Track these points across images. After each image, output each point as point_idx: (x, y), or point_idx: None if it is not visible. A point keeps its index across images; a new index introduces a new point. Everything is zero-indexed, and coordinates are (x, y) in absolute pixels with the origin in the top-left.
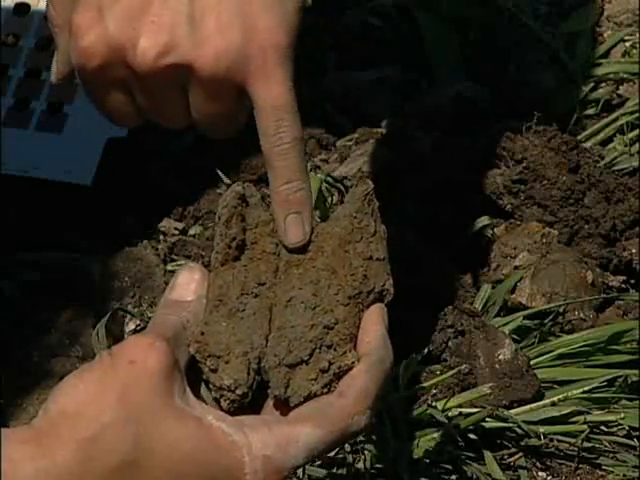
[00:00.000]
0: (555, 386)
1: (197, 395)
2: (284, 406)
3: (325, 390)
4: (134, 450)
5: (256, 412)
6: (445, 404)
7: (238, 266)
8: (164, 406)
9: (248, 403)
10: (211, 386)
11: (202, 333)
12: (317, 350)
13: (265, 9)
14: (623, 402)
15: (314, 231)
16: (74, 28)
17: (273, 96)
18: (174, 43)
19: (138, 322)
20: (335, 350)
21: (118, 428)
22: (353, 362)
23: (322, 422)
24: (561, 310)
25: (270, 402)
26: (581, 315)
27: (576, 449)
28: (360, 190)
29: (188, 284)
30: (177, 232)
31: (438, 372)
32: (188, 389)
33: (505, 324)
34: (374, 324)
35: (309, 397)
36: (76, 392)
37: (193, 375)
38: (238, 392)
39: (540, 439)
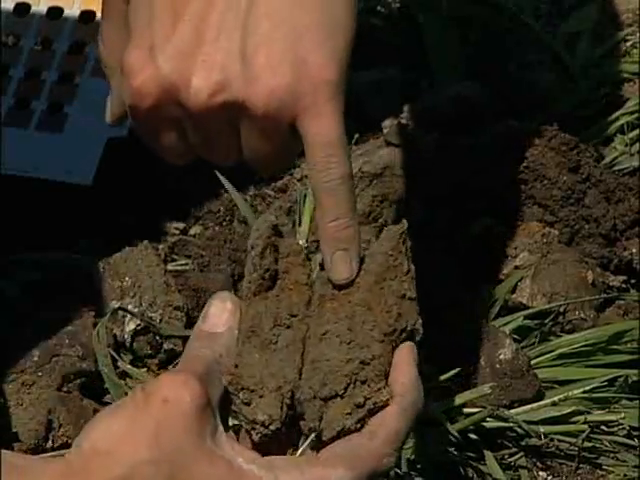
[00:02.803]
0: (555, 386)
1: (226, 422)
2: (316, 440)
3: (358, 425)
4: None
5: (286, 442)
6: (446, 404)
7: (270, 296)
8: (195, 447)
9: (278, 435)
10: (242, 418)
11: (236, 366)
12: (352, 385)
13: (316, 45)
14: (623, 402)
15: None
16: (126, 68)
17: (323, 132)
18: (227, 81)
19: (138, 322)
20: (369, 386)
21: (150, 467)
22: (387, 399)
23: (353, 464)
24: (562, 310)
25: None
26: (581, 315)
27: (577, 449)
28: (396, 228)
29: (220, 314)
30: (177, 232)
31: (438, 372)
32: (221, 427)
33: (506, 324)
34: (407, 364)
35: (342, 432)
36: (108, 429)
37: (227, 403)
38: (272, 427)
39: (541, 439)
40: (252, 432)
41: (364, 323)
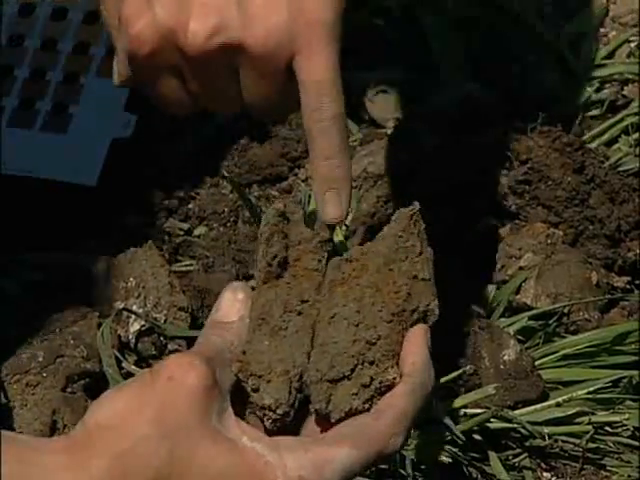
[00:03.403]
0: (560, 387)
1: (243, 415)
2: (324, 422)
3: (367, 406)
4: (168, 466)
5: (299, 428)
6: (450, 404)
7: (281, 284)
8: (199, 425)
9: (291, 421)
10: (254, 405)
11: (244, 352)
12: (359, 366)
13: None
14: (627, 403)
15: (360, 250)
16: (123, 18)
17: (317, 72)
18: (223, 23)
19: (143, 323)
20: (377, 366)
21: (153, 443)
22: (395, 378)
23: (359, 443)
24: (566, 311)
25: (309, 422)
26: (586, 316)
27: (581, 450)
28: (406, 210)
29: (232, 304)
30: (182, 233)
31: (443, 372)
32: (230, 410)
33: (510, 325)
34: (418, 346)
35: (350, 412)
36: (114, 406)
37: (240, 394)
38: (279, 412)
39: (545, 440)
40: (264, 418)
41: (373, 304)
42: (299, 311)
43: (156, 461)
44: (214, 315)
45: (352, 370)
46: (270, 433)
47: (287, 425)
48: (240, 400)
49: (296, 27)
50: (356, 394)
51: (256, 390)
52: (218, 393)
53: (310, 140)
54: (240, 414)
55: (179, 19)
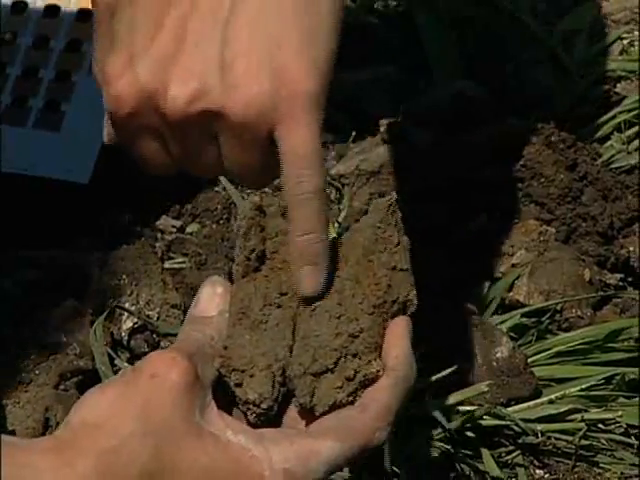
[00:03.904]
0: (553, 384)
1: (226, 408)
2: (308, 415)
3: (350, 399)
4: (154, 462)
5: (280, 418)
6: (442, 401)
7: (259, 277)
8: (183, 421)
9: (274, 415)
10: (237, 400)
11: (225, 347)
12: (342, 359)
13: (295, 55)
14: (621, 400)
15: (338, 242)
16: (106, 76)
17: (297, 144)
18: (204, 89)
19: (135, 320)
20: (360, 359)
21: (138, 440)
22: (378, 371)
23: (344, 436)
24: (559, 308)
25: (291, 411)
26: (579, 313)
27: (574, 447)
28: (384, 201)
29: (211, 299)
30: (174, 230)
31: (435, 370)
32: (213, 404)
33: (502, 322)
34: (400, 338)
35: (334, 406)
36: (97, 404)
37: (222, 389)
38: (263, 406)
39: (538, 437)
40: (247, 413)
41: (353, 297)
42: (278, 304)
43: (141, 458)
44: (193, 310)
45: (335, 363)
46: (253, 426)
47: (270, 419)
48: (223, 394)
49: (278, 97)
50: (340, 387)
51: (239, 385)
52: (200, 388)
53: (289, 212)
54: (223, 408)
55: (160, 81)
